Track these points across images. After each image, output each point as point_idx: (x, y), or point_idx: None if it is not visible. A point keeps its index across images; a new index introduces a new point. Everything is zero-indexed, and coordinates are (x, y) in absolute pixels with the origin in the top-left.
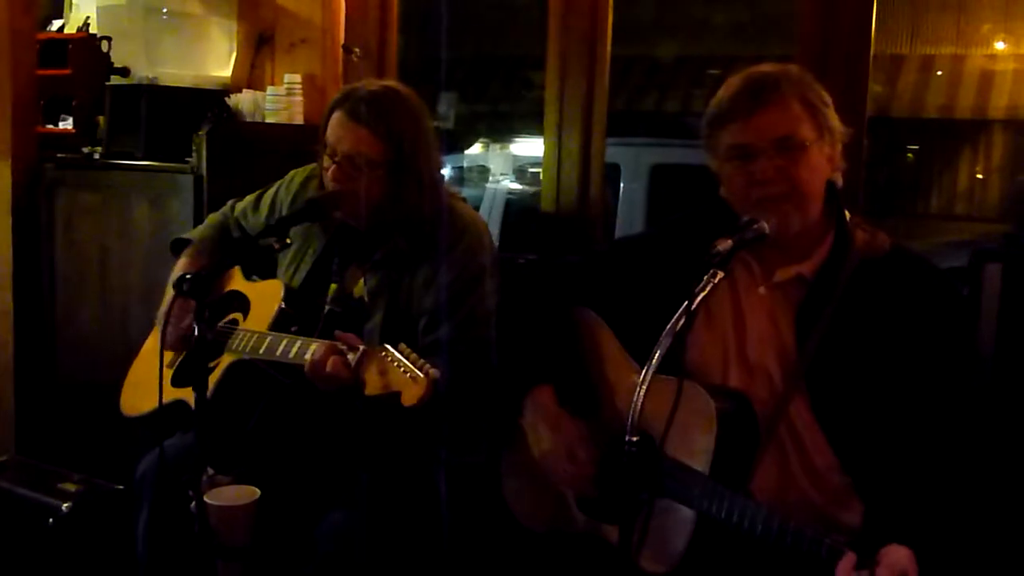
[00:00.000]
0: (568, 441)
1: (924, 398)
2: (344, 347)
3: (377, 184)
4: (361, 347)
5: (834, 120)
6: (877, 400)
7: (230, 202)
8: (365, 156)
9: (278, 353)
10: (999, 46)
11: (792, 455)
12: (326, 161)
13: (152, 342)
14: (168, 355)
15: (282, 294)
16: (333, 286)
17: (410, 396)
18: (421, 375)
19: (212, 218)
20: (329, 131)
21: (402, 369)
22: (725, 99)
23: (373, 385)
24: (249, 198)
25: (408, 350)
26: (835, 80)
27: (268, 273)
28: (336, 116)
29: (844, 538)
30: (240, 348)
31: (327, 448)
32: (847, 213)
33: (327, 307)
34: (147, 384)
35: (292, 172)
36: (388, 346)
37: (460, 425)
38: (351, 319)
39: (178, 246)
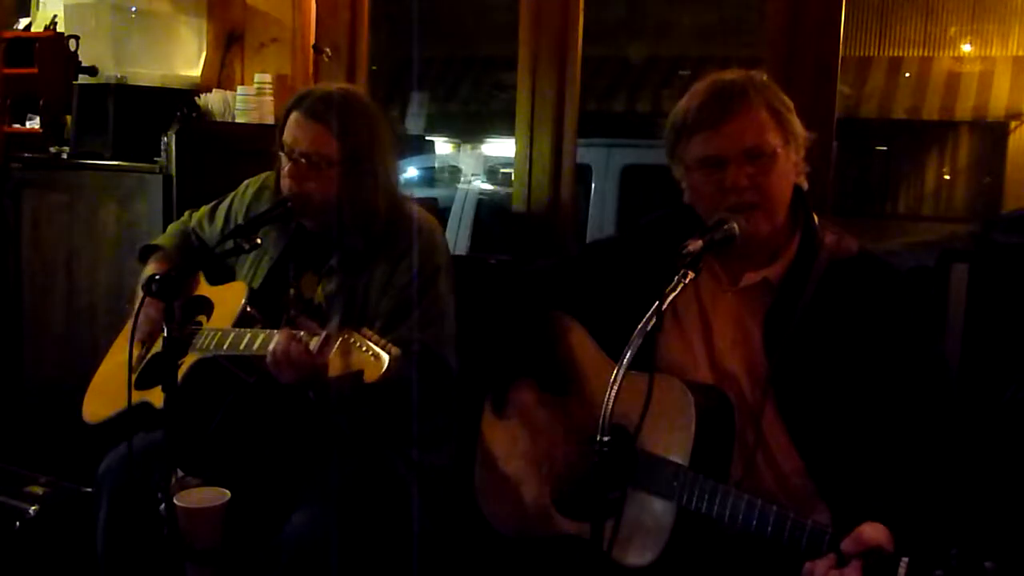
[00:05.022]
0: (560, 428)
1: (891, 403)
2: (303, 334)
3: (332, 182)
4: (324, 332)
5: (797, 125)
6: (844, 405)
7: (187, 212)
8: (321, 154)
9: (241, 347)
10: (966, 48)
11: (759, 458)
12: (283, 161)
13: (114, 351)
14: (132, 358)
15: (245, 295)
16: (291, 291)
17: (372, 373)
18: (383, 353)
19: (174, 226)
20: (287, 131)
21: (364, 348)
22: (692, 108)
23: (336, 366)
24: (204, 209)
25: (371, 332)
26: (804, 82)
27: (228, 279)
28: (293, 116)
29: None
30: (204, 346)
31: (293, 446)
32: (815, 217)
33: (288, 313)
34: (108, 391)
35: (245, 182)
36: (348, 330)
37: (422, 423)
38: None
39: (146, 253)
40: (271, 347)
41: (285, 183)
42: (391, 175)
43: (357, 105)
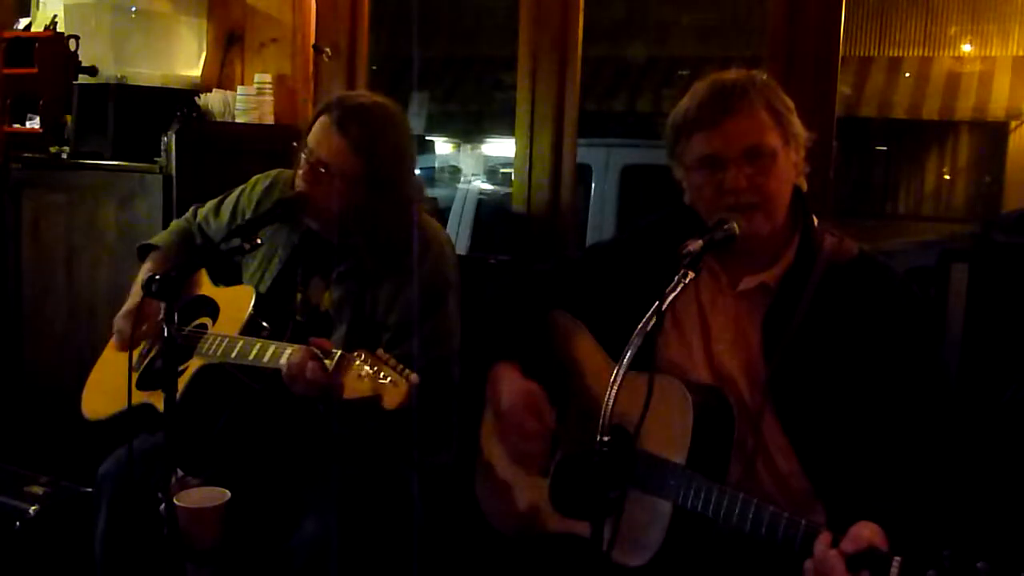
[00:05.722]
0: (530, 395)
1: (889, 407)
2: (319, 352)
3: (346, 195)
4: (338, 352)
5: (798, 126)
6: (842, 408)
7: (192, 207)
8: (338, 167)
9: (251, 358)
10: (966, 48)
11: (758, 459)
12: (302, 160)
13: (114, 344)
14: (133, 357)
15: (252, 300)
16: (299, 296)
17: (391, 400)
18: (402, 379)
19: (176, 224)
20: (312, 134)
21: (382, 373)
22: (692, 107)
23: (352, 389)
24: (211, 203)
25: (387, 355)
26: (804, 82)
27: (233, 278)
28: (322, 120)
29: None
30: (210, 352)
31: (296, 449)
32: (815, 219)
33: (295, 319)
34: (109, 387)
35: (255, 178)
36: (365, 352)
37: (424, 432)
38: (317, 331)
39: (144, 252)
40: (286, 360)
41: (298, 182)
42: (410, 192)
43: (389, 123)
